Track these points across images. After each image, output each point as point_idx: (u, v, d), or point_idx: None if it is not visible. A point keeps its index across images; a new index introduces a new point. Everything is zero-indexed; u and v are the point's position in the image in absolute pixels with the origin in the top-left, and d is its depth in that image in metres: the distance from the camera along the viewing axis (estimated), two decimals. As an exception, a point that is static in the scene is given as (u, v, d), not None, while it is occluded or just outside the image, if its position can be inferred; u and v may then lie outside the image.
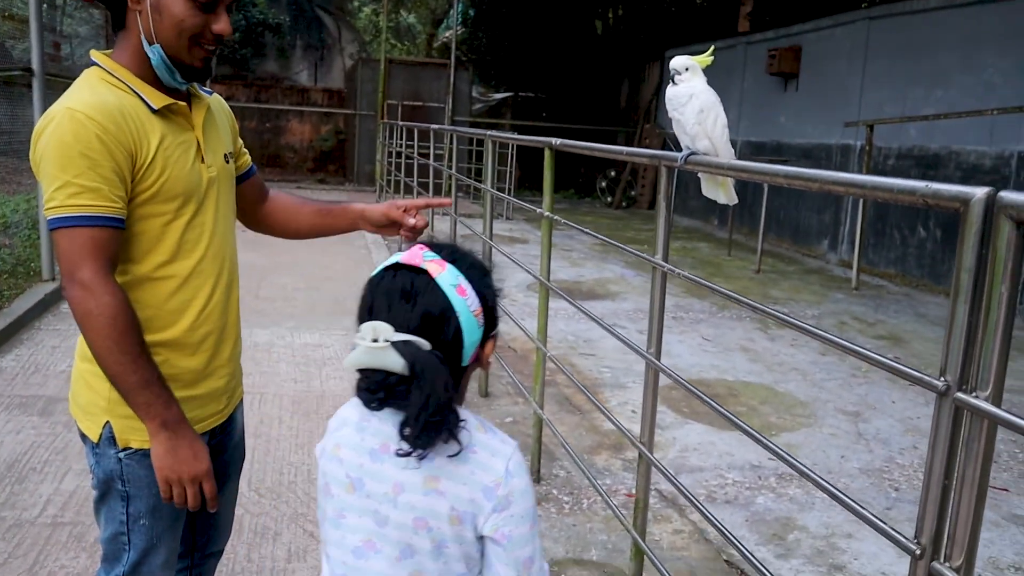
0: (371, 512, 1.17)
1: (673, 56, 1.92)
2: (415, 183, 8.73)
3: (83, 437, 1.61)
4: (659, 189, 2.15)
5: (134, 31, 1.52)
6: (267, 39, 20.02)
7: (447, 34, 22.12)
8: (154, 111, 1.53)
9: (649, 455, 2.23)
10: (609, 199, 16.52)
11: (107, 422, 1.56)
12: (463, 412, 1.16)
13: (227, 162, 1.71)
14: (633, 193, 16.30)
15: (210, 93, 1.74)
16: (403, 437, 1.12)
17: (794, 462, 1.59)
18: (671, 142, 14.03)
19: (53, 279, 6.21)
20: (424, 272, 1.15)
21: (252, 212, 1.95)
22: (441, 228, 7.96)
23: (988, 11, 8.44)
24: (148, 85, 1.54)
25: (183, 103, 1.59)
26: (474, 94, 19.07)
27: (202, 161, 1.61)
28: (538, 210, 3.36)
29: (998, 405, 1.06)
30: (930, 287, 8.85)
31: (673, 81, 1.92)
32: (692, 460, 3.91)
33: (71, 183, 1.41)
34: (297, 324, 5.76)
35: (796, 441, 4.22)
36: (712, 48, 2.19)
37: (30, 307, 5.44)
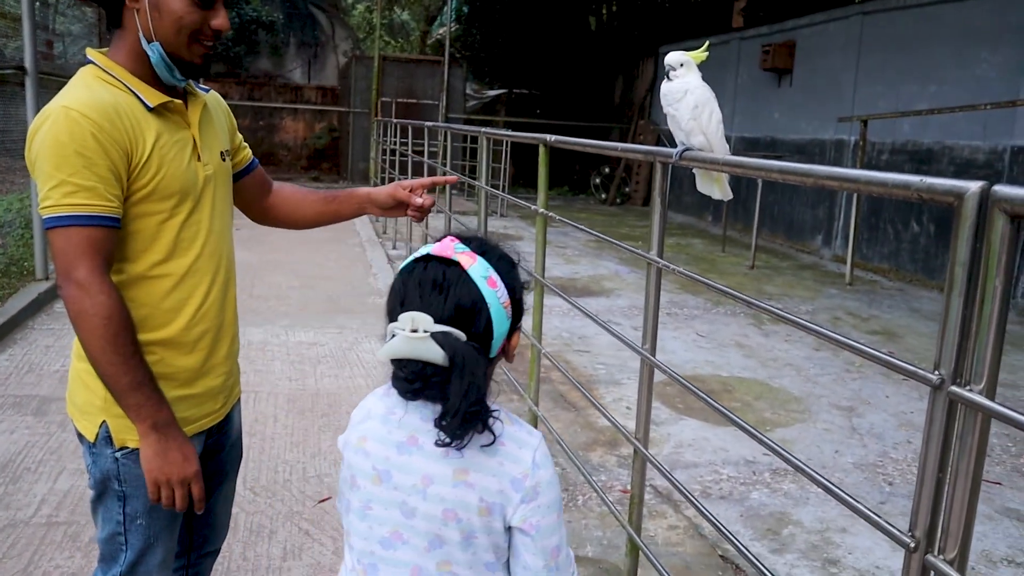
0: (398, 504, 1.18)
1: (667, 52, 1.93)
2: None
3: (80, 437, 1.61)
4: (654, 185, 2.15)
5: (131, 29, 1.51)
6: (260, 37, 19.92)
7: (441, 31, 22.12)
8: (150, 109, 1.52)
9: (644, 451, 2.23)
10: (603, 196, 16.53)
11: (103, 422, 1.55)
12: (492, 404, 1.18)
13: (223, 160, 1.71)
14: (627, 189, 16.32)
15: (207, 90, 1.73)
16: (441, 428, 1.12)
17: (789, 457, 1.59)
18: (665, 138, 14.04)
19: (47, 278, 6.20)
20: (455, 264, 1.16)
21: (257, 206, 1.94)
22: (436, 225, 7.95)
23: (981, 6, 8.47)
24: (144, 83, 1.54)
25: (179, 101, 1.59)
26: (468, 91, 19.07)
27: (198, 159, 1.61)
28: (532, 207, 3.36)
29: (992, 399, 1.06)
30: (924, 282, 8.87)
31: (668, 77, 1.92)
32: (687, 456, 3.92)
33: (66, 182, 1.41)
34: (291, 322, 5.75)
35: (790, 436, 4.23)
36: (706, 44, 2.19)
37: (24, 306, 5.44)
